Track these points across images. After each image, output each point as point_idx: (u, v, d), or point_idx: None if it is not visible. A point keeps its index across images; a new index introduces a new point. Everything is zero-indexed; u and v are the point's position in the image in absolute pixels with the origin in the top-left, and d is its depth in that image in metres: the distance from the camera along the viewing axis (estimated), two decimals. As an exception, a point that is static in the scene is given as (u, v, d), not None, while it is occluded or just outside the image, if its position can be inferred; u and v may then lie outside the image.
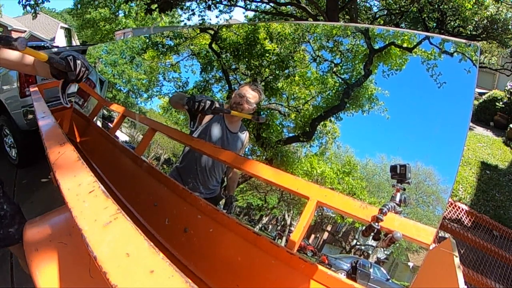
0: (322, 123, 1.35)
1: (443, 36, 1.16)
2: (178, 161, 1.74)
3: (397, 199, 0.94)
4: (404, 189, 0.96)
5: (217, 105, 1.35)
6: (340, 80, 1.36)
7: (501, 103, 8.89)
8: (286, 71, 1.44)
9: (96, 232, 0.58)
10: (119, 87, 2.38)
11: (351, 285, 0.99)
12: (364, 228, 0.96)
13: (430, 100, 1.14)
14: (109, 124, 2.29)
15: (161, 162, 1.88)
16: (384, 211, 0.91)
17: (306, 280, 1.05)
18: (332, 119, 1.33)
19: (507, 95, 8.84)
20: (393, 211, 0.93)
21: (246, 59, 1.38)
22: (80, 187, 0.74)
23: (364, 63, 1.28)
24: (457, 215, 2.66)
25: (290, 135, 1.41)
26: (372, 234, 0.93)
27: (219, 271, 1.25)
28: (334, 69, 1.36)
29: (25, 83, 3.56)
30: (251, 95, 1.46)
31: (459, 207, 2.73)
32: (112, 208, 0.65)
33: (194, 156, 1.66)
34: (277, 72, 1.44)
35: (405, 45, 1.19)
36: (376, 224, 0.92)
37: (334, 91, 1.36)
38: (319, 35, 1.38)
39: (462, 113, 1.05)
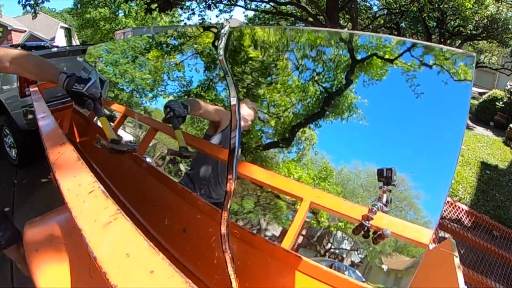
0: (301, 129, 1.37)
1: (440, 46, 1.19)
2: (188, 167, 1.74)
3: (384, 199, 1.01)
4: (390, 191, 1.03)
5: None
6: (321, 88, 1.38)
7: (501, 102, 8.88)
8: (269, 78, 1.46)
9: (96, 232, 0.59)
10: (121, 87, 2.37)
11: (331, 273, 1.07)
12: (355, 226, 1.03)
13: (409, 110, 1.20)
14: (110, 123, 2.29)
15: (164, 162, 1.88)
16: (374, 210, 0.99)
17: (303, 277, 1.09)
18: (312, 126, 1.36)
19: (507, 95, 8.83)
20: (380, 211, 1.00)
21: (230, 66, 1.40)
22: (80, 187, 0.74)
23: (345, 73, 1.32)
24: (457, 215, 2.66)
25: (269, 141, 1.43)
26: (362, 232, 1.01)
27: (218, 271, 1.25)
28: (316, 77, 1.38)
29: (25, 83, 3.57)
30: (247, 112, 1.47)
31: (459, 207, 2.73)
32: (112, 208, 0.65)
33: (206, 161, 1.66)
34: (259, 79, 1.45)
35: (386, 56, 1.23)
36: (367, 222, 1.00)
37: (314, 99, 1.39)
38: (303, 44, 1.40)
39: (454, 125, 1.09)
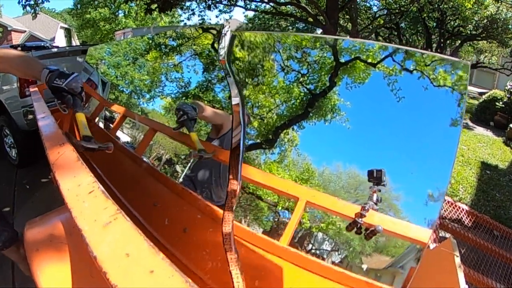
0: (285, 131, 1.38)
1: (436, 54, 1.23)
2: (188, 170, 1.74)
3: (374, 199, 1.09)
4: (380, 190, 1.09)
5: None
6: (305, 90, 1.40)
7: (501, 103, 8.88)
8: (255, 79, 1.47)
9: (96, 232, 0.59)
10: (121, 88, 2.37)
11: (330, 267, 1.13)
12: (348, 224, 1.11)
13: (391, 112, 1.25)
14: (111, 125, 2.29)
15: (162, 162, 1.88)
16: (366, 208, 1.07)
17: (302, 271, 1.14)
18: (295, 127, 1.38)
19: (507, 95, 8.83)
20: (372, 209, 1.08)
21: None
22: (79, 188, 0.74)
23: (329, 75, 1.35)
24: (457, 215, 2.66)
25: (250, 142, 1.44)
26: (355, 228, 1.10)
27: (219, 271, 1.25)
28: (301, 79, 1.40)
29: (25, 83, 3.57)
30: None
31: (459, 207, 2.73)
32: (111, 209, 0.65)
33: (208, 164, 1.65)
34: (245, 80, 1.46)
35: (369, 60, 1.26)
36: (360, 219, 1.07)
37: (298, 100, 1.41)
38: (289, 46, 1.42)
39: (446, 130, 1.12)
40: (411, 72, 1.19)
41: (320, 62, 1.38)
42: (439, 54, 1.20)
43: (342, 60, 1.32)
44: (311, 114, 1.35)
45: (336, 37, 1.41)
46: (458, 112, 1.09)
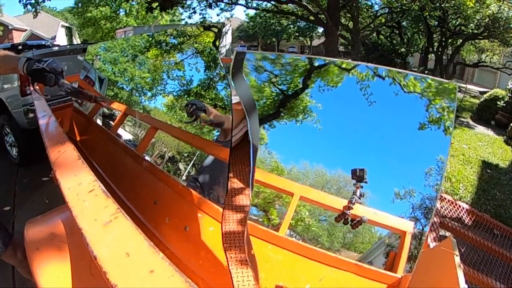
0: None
1: (423, 76, 1.31)
2: (195, 171, 1.74)
3: (358, 194, 1.24)
4: (362, 187, 1.24)
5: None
6: (277, 90, 1.44)
7: (502, 102, 8.86)
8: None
9: (96, 232, 0.59)
10: (121, 85, 2.37)
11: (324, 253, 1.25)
12: (337, 215, 1.26)
13: (363, 115, 1.34)
14: (110, 122, 2.29)
15: (163, 160, 1.88)
16: (353, 202, 1.23)
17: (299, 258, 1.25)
18: (266, 126, 1.43)
19: (509, 94, 8.81)
20: (356, 202, 1.23)
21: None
22: (80, 187, 0.74)
23: (303, 77, 1.41)
24: (457, 214, 2.66)
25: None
26: (343, 219, 1.24)
27: (220, 271, 1.25)
28: (273, 79, 1.43)
29: (25, 82, 3.57)
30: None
31: (459, 206, 2.73)
32: (112, 208, 0.65)
33: (215, 166, 1.65)
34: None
35: (344, 66, 1.36)
36: (348, 211, 1.23)
37: (270, 100, 1.45)
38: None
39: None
40: (383, 78, 1.30)
41: (293, 64, 1.43)
42: (430, 77, 1.29)
43: (316, 63, 1.39)
44: (282, 114, 1.40)
45: (355, 62, 1.46)
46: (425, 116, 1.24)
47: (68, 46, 5.81)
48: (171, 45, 2.10)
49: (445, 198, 2.73)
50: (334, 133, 1.38)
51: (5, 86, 3.91)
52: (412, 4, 12.03)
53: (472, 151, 5.98)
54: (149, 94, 2.14)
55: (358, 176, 1.24)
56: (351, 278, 1.20)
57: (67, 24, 28.00)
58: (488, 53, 16.60)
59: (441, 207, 2.57)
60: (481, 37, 14.34)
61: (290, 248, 1.27)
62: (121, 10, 23.77)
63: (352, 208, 1.22)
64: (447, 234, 2.44)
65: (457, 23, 14.65)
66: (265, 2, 12.24)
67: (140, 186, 1.74)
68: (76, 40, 27.31)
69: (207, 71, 1.85)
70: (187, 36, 2.00)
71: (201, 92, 1.82)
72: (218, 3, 12.10)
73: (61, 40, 24.00)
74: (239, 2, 12.39)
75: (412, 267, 1.16)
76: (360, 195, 1.23)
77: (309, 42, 37.90)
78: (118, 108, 2.24)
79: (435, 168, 1.22)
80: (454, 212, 2.66)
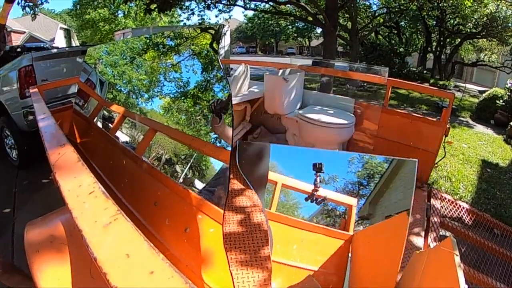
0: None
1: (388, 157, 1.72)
2: (209, 183, 1.74)
3: (318, 181, 1.72)
4: (320, 175, 1.71)
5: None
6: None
7: (501, 101, 8.86)
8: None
9: (96, 233, 0.59)
10: (119, 88, 2.37)
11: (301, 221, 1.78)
12: (307, 196, 1.74)
13: None
14: (110, 124, 2.29)
15: (163, 162, 1.88)
16: (318, 186, 1.71)
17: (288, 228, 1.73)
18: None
19: (508, 93, 8.82)
20: (319, 187, 1.72)
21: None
22: (80, 188, 0.74)
23: None
24: (458, 214, 2.66)
25: None
26: (311, 198, 1.72)
27: (221, 272, 1.25)
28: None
29: (25, 84, 3.57)
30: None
31: (460, 206, 2.73)
32: (112, 209, 0.65)
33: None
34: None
35: None
36: (315, 193, 1.73)
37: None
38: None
39: None
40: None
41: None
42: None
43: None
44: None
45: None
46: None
47: (67, 48, 5.80)
48: (168, 47, 2.10)
49: (445, 198, 2.73)
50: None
51: (5, 88, 3.91)
52: (410, 4, 12.05)
53: (471, 150, 5.99)
54: (146, 96, 2.14)
55: (317, 168, 1.71)
56: (321, 237, 1.73)
57: (65, 26, 28.01)
58: (486, 52, 16.59)
59: (441, 206, 2.57)
60: (479, 36, 14.35)
61: (279, 220, 1.75)
62: (119, 12, 23.80)
63: (317, 190, 1.73)
64: (447, 234, 2.44)
65: (455, 22, 14.67)
66: (263, 3, 12.25)
67: (140, 188, 1.74)
68: (75, 42, 27.30)
69: (204, 73, 1.85)
70: (184, 38, 2.01)
71: (198, 94, 1.82)
72: (216, 4, 12.11)
73: (60, 42, 23.99)
74: (237, 3, 12.40)
75: (357, 230, 1.71)
76: (320, 181, 1.72)
77: (307, 43, 37.97)
78: (117, 110, 2.24)
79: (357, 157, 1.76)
80: (454, 211, 2.65)
